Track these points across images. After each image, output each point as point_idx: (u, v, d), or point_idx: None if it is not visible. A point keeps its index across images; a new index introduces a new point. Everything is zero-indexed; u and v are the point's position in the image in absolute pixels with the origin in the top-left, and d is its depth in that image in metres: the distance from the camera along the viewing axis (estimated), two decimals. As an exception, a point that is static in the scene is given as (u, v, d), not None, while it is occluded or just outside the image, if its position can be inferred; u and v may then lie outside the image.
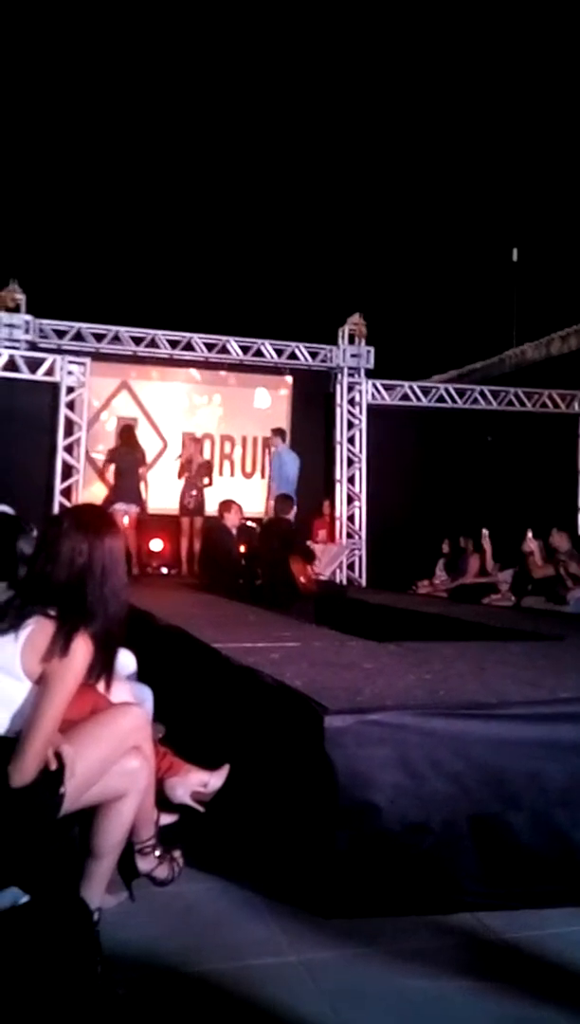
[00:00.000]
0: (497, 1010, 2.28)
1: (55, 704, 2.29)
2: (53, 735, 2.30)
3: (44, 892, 2.09)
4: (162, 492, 11.83)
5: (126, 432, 11.43)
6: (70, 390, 11.68)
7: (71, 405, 11.70)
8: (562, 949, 2.64)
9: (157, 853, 2.81)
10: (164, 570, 11.99)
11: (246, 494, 11.95)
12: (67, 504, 11.38)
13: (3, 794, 2.21)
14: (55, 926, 1.75)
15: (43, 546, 2.57)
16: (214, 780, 2.96)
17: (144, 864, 2.79)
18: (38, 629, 2.35)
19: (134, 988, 2.24)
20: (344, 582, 11.91)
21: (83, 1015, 1.71)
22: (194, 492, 11.65)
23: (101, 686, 2.63)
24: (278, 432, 11.93)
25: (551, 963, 2.57)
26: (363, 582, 12.24)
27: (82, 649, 2.36)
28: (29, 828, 2.26)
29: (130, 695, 3.03)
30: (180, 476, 11.77)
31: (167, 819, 2.90)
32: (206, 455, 12.46)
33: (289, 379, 13.10)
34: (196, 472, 11.74)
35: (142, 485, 11.17)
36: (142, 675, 3.70)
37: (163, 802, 2.89)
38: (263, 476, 12.78)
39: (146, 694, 3.42)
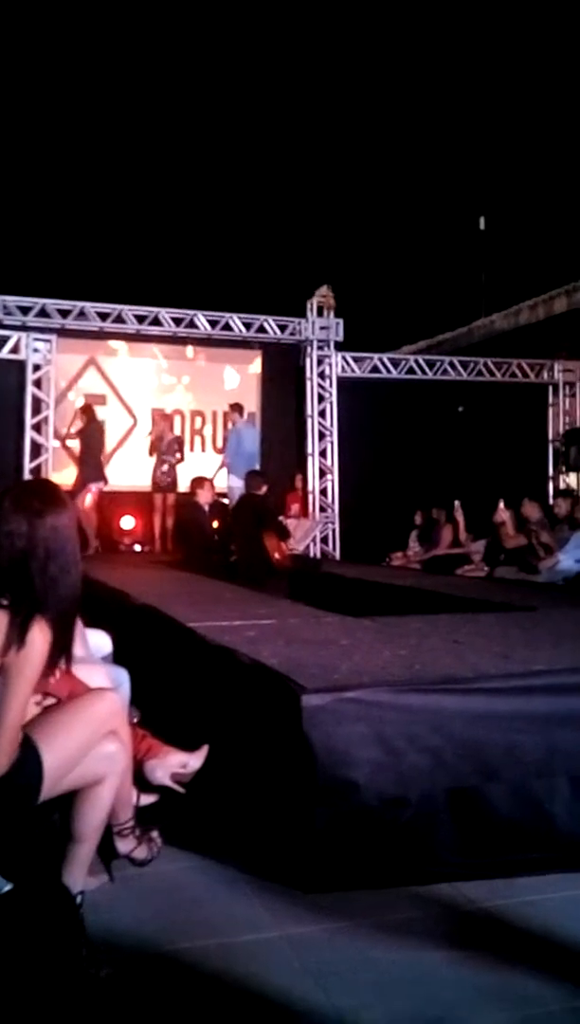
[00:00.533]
0: (477, 979, 2.32)
1: (18, 696, 2.27)
2: (19, 726, 2.29)
3: (27, 879, 2.10)
4: (133, 469, 11.78)
5: (90, 410, 11.39)
6: (36, 368, 11.57)
7: (38, 383, 11.60)
8: (538, 916, 2.69)
9: (136, 834, 2.83)
10: (137, 547, 11.96)
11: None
12: (38, 484, 11.29)
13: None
14: (39, 913, 1.77)
15: None
16: (193, 761, 2.97)
17: (123, 846, 2.81)
18: None
19: (119, 969, 2.26)
20: (318, 556, 11.95)
21: (69, 999, 1.73)
22: (166, 468, 11.62)
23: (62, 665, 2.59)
24: (236, 407, 11.90)
25: (528, 930, 2.62)
26: (337, 555, 12.28)
27: (39, 639, 2.32)
28: (9, 816, 2.26)
29: (106, 679, 3.02)
30: (151, 453, 11.73)
31: (147, 799, 2.91)
32: (177, 431, 12.41)
33: (258, 353, 13.03)
34: (167, 448, 11.70)
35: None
36: (118, 656, 3.69)
37: (143, 784, 2.90)
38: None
39: (123, 676, 3.41)
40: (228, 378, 13.10)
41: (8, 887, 2.07)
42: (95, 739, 2.47)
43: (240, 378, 13.09)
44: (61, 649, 2.45)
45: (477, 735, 2.99)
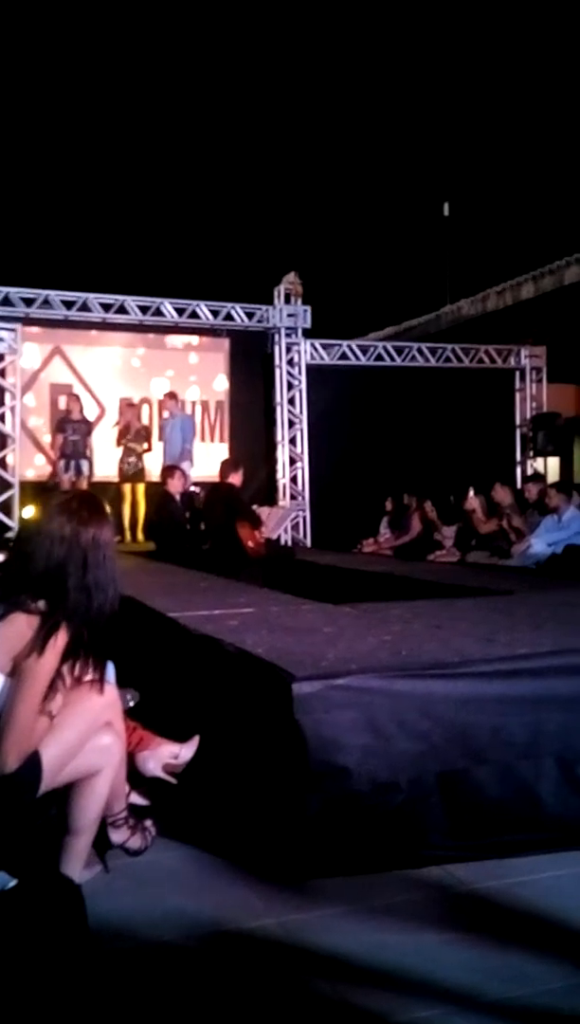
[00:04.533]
0: (477, 960, 2.35)
1: (30, 698, 2.26)
2: (31, 729, 2.27)
3: (31, 874, 2.09)
4: (101, 459, 11.71)
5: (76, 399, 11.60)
6: (1, 357, 11.43)
7: (3, 373, 11.46)
8: (531, 896, 2.73)
9: (129, 824, 2.82)
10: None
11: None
12: (4, 475, 11.21)
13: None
14: (45, 907, 1.76)
15: (25, 531, 2.48)
16: (185, 752, 2.97)
17: (117, 836, 2.81)
18: (15, 626, 2.28)
19: (118, 959, 2.26)
20: (288, 543, 11.95)
21: (76, 991, 1.72)
22: (133, 458, 11.60)
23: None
24: (171, 396, 11.92)
25: (522, 910, 2.65)
26: (308, 543, 12.30)
27: (56, 650, 2.31)
28: (12, 812, 2.24)
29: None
30: (118, 443, 11.69)
31: (139, 800, 2.90)
32: (144, 420, 12.34)
33: (226, 341, 12.98)
34: (134, 438, 11.68)
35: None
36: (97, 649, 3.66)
37: (135, 781, 2.89)
38: (203, 440, 12.71)
39: (108, 668, 3.40)
40: (195, 366, 13.04)
41: (13, 883, 2.06)
42: (91, 731, 2.46)
43: (207, 365, 13.03)
44: (83, 659, 2.43)
45: (465, 718, 3.02)
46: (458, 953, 2.39)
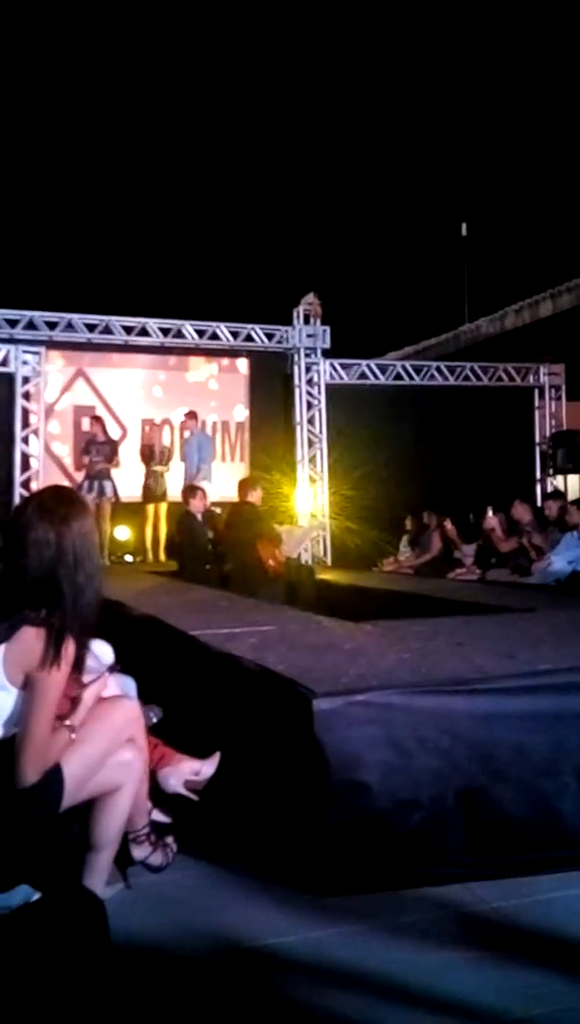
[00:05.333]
0: (496, 979, 2.34)
1: (45, 710, 2.29)
2: (48, 741, 2.30)
3: (54, 888, 2.11)
4: (124, 479, 11.79)
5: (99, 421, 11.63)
6: (25, 380, 11.57)
7: (27, 395, 11.59)
8: (551, 914, 2.72)
9: (151, 840, 2.83)
10: (128, 558, 11.95)
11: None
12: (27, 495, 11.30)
13: (6, 796, 2.21)
14: (69, 921, 1.78)
15: (12, 538, 2.48)
16: (206, 768, 2.99)
17: (138, 852, 2.82)
18: (24, 640, 2.30)
19: (140, 976, 2.27)
20: (309, 562, 11.95)
21: (101, 1004, 1.74)
22: (156, 479, 11.67)
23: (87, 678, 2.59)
24: (192, 415, 12.00)
25: (542, 929, 2.64)
26: (328, 561, 12.31)
27: (69, 658, 2.33)
28: (34, 826, 2.27)
29: (118, 687, 3.03)
30: (143, 461, 11.77)
31: (161, 817, 2.91)
32: (166, 441, 12.43)
33: (246, 362, 13.06)
34: (157, 458, 11.75)
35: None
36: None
37: (157, 799, 2.90)
38: (223, 460, 12.78)
39: (130, 685, 3.42)
40: (215, 392, 13.13)
41: (36, 896, 2.08)
42: (113, 747, 2.48)
43: (227, 386, 13.12)
44: (81, 658, 2.46)
45: (486, 735, 3.02)
46: (479, 971, 2.38)
